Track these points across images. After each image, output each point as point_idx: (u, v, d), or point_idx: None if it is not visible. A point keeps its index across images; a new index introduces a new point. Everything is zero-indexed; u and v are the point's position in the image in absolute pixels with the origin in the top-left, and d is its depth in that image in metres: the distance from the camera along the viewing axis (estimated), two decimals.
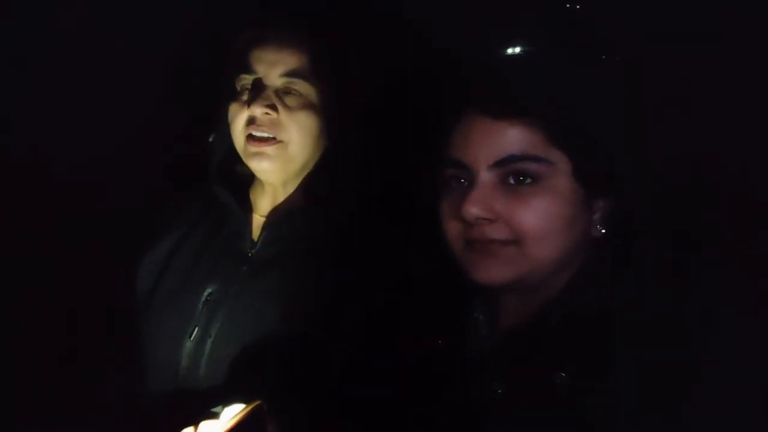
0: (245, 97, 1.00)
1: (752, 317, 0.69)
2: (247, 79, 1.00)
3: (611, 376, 0.70)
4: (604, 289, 0.76)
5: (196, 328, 0.99)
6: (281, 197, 1.06)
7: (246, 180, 1.12)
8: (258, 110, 0.97)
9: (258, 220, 1.07)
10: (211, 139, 1.10)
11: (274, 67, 0.99)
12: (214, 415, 0.75)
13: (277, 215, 1.06)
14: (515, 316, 0.82)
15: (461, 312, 0.89)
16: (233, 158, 1.08)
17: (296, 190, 1.06)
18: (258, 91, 0.98)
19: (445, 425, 0.82)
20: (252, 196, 1.10)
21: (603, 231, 0.78)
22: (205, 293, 1.01)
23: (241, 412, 0.72)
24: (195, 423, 0.75)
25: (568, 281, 0.78)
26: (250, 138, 0.99)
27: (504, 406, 0.78)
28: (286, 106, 0.99)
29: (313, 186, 1.06)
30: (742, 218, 0.93)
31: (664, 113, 0.84)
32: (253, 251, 1.03)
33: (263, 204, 1.08)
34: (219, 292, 1.01)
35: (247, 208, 1.08)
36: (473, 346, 0.86)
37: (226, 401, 0.77)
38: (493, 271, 0.77)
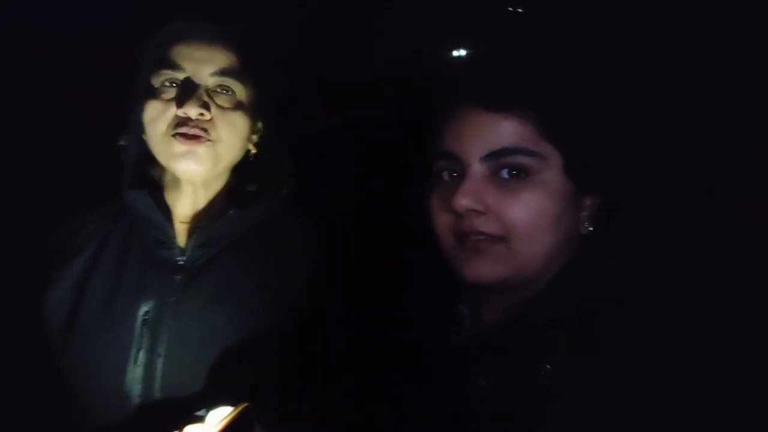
0: (168, 95, 0.94)
1: (736, 317, 0.72)
2: (169, 76, 0.94)
3: (595, 369, 0.71)
4: (589, 285, 0.77)
5: (141, 351, 0.93)
6: (201, 199, 1.01)
7: (159, 184, 1.04)
8: (193, 111, 0.92)
9: (179, 226, 1.01)
10: (123, 142, 1.01)
11: (204, 65, 0.94)
12: (199, 419, 0.74)
13: (204, 218, 1.01)
14: (500, 310, 0.82)
15: (446, 305, 0.88)
16: (146, 162, 1.01)
17: (221, 190, 1.02)
18: (189, 90, 0.93)
19: (432, 418, 0.82)
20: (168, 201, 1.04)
21: (590, 229, 0.79)
22: (141, 312, 0.95)
23: (228, 415, 0.71)
24: (179, 427, 0.73)
25: (553, 277, 0.79)
26: (179, 137, 0.93)
27: (489, 399, 0.78)
28: (218, 106, 0.95)
29: (239, 186, 1.03)
30: (731, 217, 0.95)
31: (656, 111, 0.86)
32: (183, 258, 0.98)
33: (181, 208, 1.02)
34: (157, 308, 0.95)
35: (168, 215, 1.01)
36: (457, 339, 0.86)
37: (210, 404, 0.75)
38: (482, 270, 0.77)
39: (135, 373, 0.92)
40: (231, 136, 0.96)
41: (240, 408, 0.72)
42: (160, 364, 0.93)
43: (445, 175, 0.81)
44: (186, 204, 1.01)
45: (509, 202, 0.75)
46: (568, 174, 0.76)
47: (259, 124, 1.02)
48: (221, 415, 0.71)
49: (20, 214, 1.17)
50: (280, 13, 1.02)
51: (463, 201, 0.75)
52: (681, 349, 0.69)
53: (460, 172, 0.78)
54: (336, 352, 0.94)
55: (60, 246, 1.02)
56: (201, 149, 0.94)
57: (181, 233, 1.00)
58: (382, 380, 0.89)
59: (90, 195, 1.08)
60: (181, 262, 0.97)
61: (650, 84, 0.95)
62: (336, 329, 0.95)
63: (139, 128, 0.98)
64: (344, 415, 0.88)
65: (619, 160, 0.78)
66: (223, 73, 0.95)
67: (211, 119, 0.94)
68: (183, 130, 0.93)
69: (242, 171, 1.02)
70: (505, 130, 0.75)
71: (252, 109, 0.98)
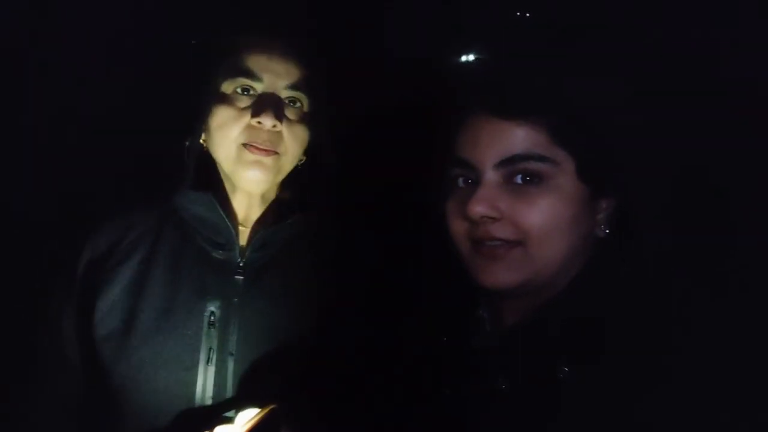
0: (242, 104, 0.97)
1: (754, 320, 0.71)
2: (244, 83, 0.97)
3: (612, 372, 0.71)
4: (606, 288, 0.77)
5: (211, 351, 0.94)
6: (256, 204, 1.04)
7: (215, 187, 1.04)
8: (269, 122, 0.94)
9: (237, 229, 1.02)
10: (188, 144, 1.02)
11: (280, 78, 0.97)
12: (228, 420, 0.76)
13: (260, 221, 1.04)
14: (519, 314, 0.83)
15: (466, 309, 0.90)
16: (206, 164, 1.03)
17: (278, 196, 1.06)
18: (267, 101, 0.96)
19: (452, 420, 0.83)
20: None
21: (607, 231, 0.80)
22: (206, 314, 0.96)
23: (255, 416, 0.74)
24: (210, 428, 0.76)
25: (571, 280, 0.79)
26: (249, 146, 0.96)
27: (509, 401, 0.79)
28: (287, 119, 0.98)
29: (293, 192, 1.06)
30: (745, 219, 0.94)
31: (669, 114, 0.86)
32: (243, 260, 1.00)
33: (237, 211, 1.04)
34: (223, 309, 0.97)
35: (231, 217, 1.01)
36: (477, 343, 0.87)
37: (240, 406, 0.78)
38: (500, 276, 0.77)
39: (209, 372, 0.94)
40: (295, 148, 0.99)
41: (267, 409, 0.74)
42: (231, 363, 0.94)
43: (460, 182, 0.82)
44: (240, 207, 1.04)
45: (523, 207, 0.76)
46: (581, 178, 0.76)
47: (313, 134, 1.04)
48: (249, 416, 0.74)
49: (54, 223, 1.18)
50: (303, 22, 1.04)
51: (478, 208, 0.76)
52: (699, 352, 0.69)
53: (475, 178, 0.79)
54: (358, 355, 0.95)
55: (104, 254, 1.02)
56: (268, 161, 0.96)
57: (240, 235, 1.02)
58: (403, 384, 0.91)
59: (124, 199, 1.09)
60: (242, 264, 1.00)
61: (662, 86, 0.95)
62: (358, 333, 0.97)
63: (199, 132, 1.00)
64: (366, 417, 0.90)
65: (633, 162, 0.78)
66: (295, 86, 0.98)
67: (280, 132, 0.97)
68: (254, 141, 0.95)
69: (294, 178, 1.05)
70: (517, 137, 0.76)
71: (311, 119, 1.01)
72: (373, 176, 1.14)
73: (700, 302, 0.74)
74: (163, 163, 1.04)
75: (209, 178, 1.03)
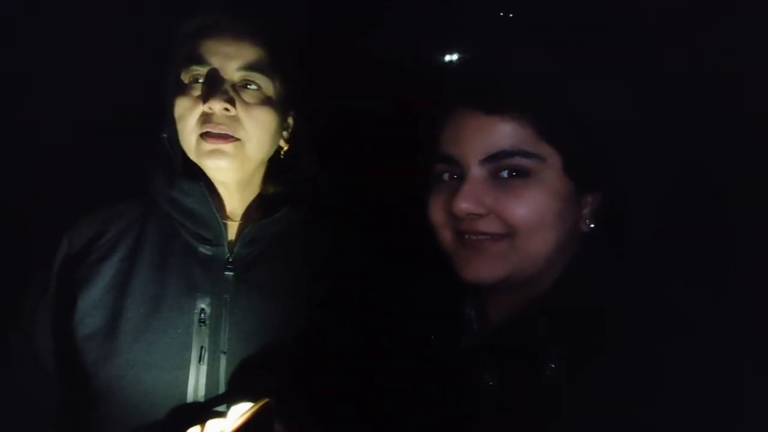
0: (197, 92, 0.93)
1: (736, 314, 0.73)
2: (197, 72, 0.93)
3: (599, 369, 0.72)
4: (593, 283, 0.78)
5: (203, 350, 0.92)
6: (237, 196, 1.02)
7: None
8: (217, 106, 0.90)
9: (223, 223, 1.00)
10: (165, 136, 0.99)
11: (231, 59, 0.93)
12: (220, 414, 0.77)
13: (246, 216, 1.02)
14: (506, 311, 0.84)
15: (453, 308, 0.90)
16: (187, 156, 0.99)
17: (264, 189, 1.04)
18: (214, 85, 0.91)
19: (441, 418, 0.84)
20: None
21: (592, 226, 0.80)
22: (197, 311, 0.94)
23: (248, 410, 0.74)
24: (201, 422, 0.76)
25: (558, 276, 0.80)
26: (206, 135, 0.92)
27: (496, 398, 0.80)
28: (243, 102, 0.93)
29: (277, 186, 1.04)
30: (729, 215, 0.96)
31: (655, 111, 0.87)
32: (232, 255, 0.98)
33: (220, 205, 1.02)
34: (214, 306, 0.94)
35: (219, 211, 0.99)
36: (465, 341, 0.88)
37: (232, 400, 0.78)
38: (484, 269, 0.78)
39: (201, 370, 0.92)
40: (258, 134, 0.95)
41: (260, 403, 0.75)
42: (224, 360, 0.93)
43: (446, 177, 0.82)
44: (224, 200, 1.02)
45: (509, 200, 0.76)
46: (568, 174, 0.77)
47: (290, 120, 1.01)
48: (242, 410, 0.75)
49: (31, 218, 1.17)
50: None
51: (463, 205, 0.76)
52: (685, 349, 0.69)
53: (460, 174, 0.79)
54: (348, 351, 0.96)
55: (83, 249, 0.99)
56: (228, 147, 0.93)
57: (227, 230, 1.00)
58: (392, 381, 0.91)
59: (106, 194, 1.07)
60: (231, 259, 0.98)
61: (648, 83, 0.97)
62: (347, 329, 0.96)
63: (173, 124, 0.97)
64: (355, 414, 0.90)
65: (619, 159, 0.78)
66: (249, 67, 0.93)
67: (236, 116, 0.93)
68: (209, 128, 0.92)
69: (276, 169, 1.03)
70: (503, 133, 0.76)
71: (280, 105, 0.97)
72: (360, 172, 1.14)
73: (686, 298, 0.75)
74: (144, 157, 1.02)
75: (194, 170, 1.00)
